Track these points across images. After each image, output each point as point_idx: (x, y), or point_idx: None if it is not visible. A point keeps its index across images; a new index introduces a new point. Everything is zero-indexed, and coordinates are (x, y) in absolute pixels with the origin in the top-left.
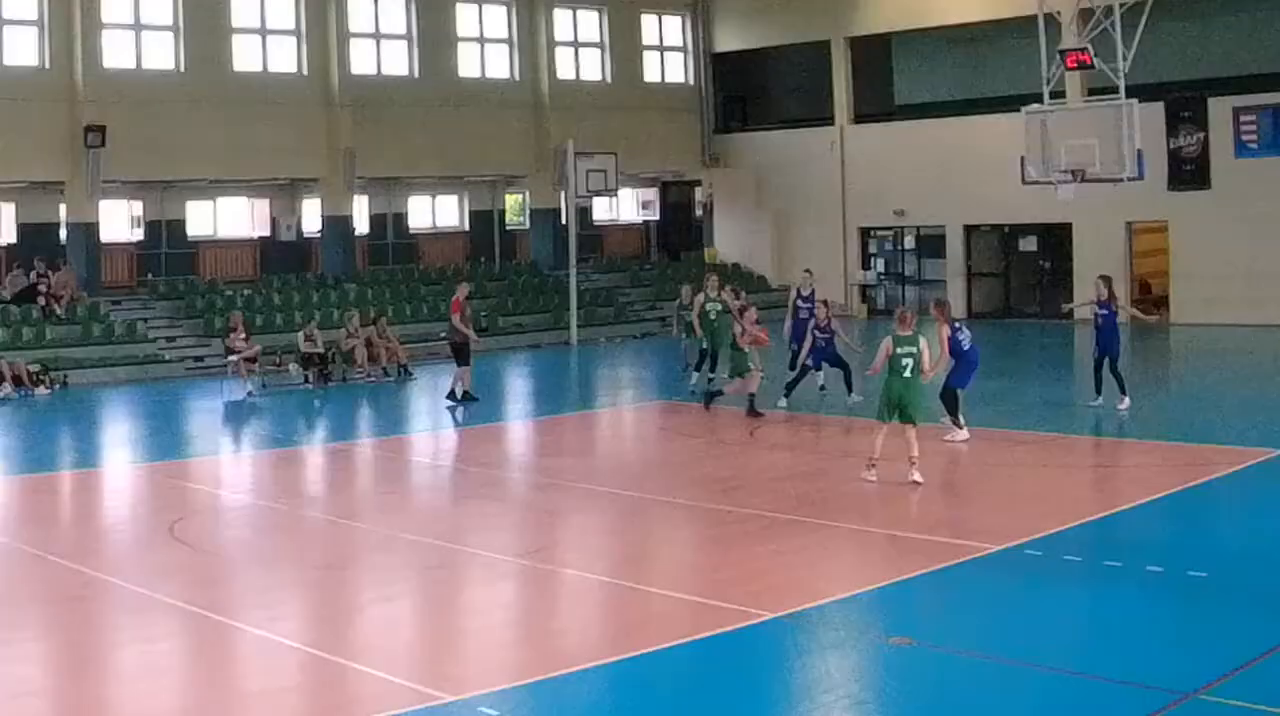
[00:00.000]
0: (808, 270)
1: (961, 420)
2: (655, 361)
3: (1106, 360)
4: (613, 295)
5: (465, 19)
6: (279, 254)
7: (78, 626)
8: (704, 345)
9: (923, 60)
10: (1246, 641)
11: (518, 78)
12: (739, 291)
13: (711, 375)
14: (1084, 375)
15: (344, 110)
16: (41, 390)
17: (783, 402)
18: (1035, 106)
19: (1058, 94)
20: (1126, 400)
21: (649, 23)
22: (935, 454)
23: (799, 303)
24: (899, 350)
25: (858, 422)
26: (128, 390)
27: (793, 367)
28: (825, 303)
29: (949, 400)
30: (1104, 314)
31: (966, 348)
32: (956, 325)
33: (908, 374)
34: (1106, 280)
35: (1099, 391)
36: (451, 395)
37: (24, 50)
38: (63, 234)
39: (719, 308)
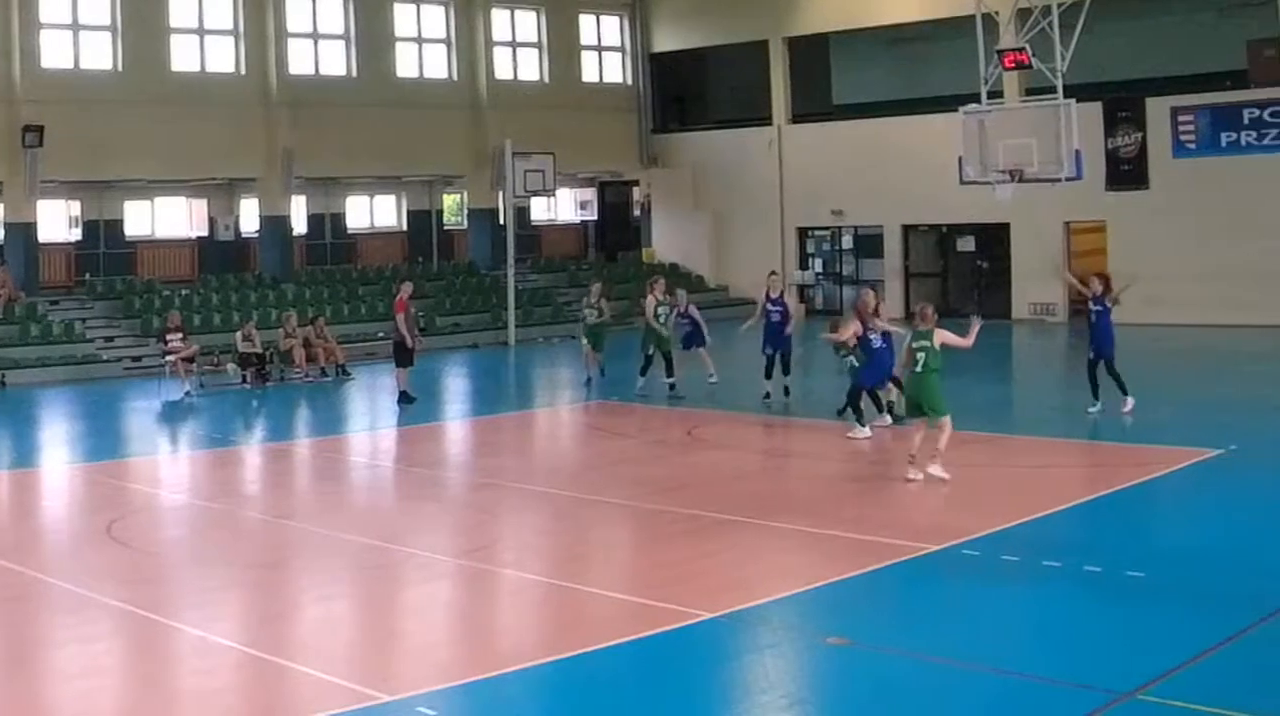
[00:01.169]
0: (774, 272)
1: (865, 420)
2: None
3: (1102, 362)
4: (550, 295)
5: (403, 19)
6: (217, 254)
7: (15, 626)
8: (650, 350)
9: (860, 60)
10: (1184, 641)
11: (456, 78)
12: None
13: (670, 379)
14: (1022, 374)
15: (282, 110)
16: None
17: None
18: (973, 106)
19: (996, 94)
20: (1130, 401)
21: (587, 23)
22: (872, 454)
23: (768, 306)
24: (914, 344)
25: (796, 422)
26: (66, 390)
27: (767, 376)
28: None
29: (854, 397)
30: (1098, 311)
31: (877, 346)
32: (872, 329)
33: (919, 369)
34: (1103, 278)
35: (1096, 396)
36: (404, 396)
37: None
38: (0, 234)
39: (668, 310)
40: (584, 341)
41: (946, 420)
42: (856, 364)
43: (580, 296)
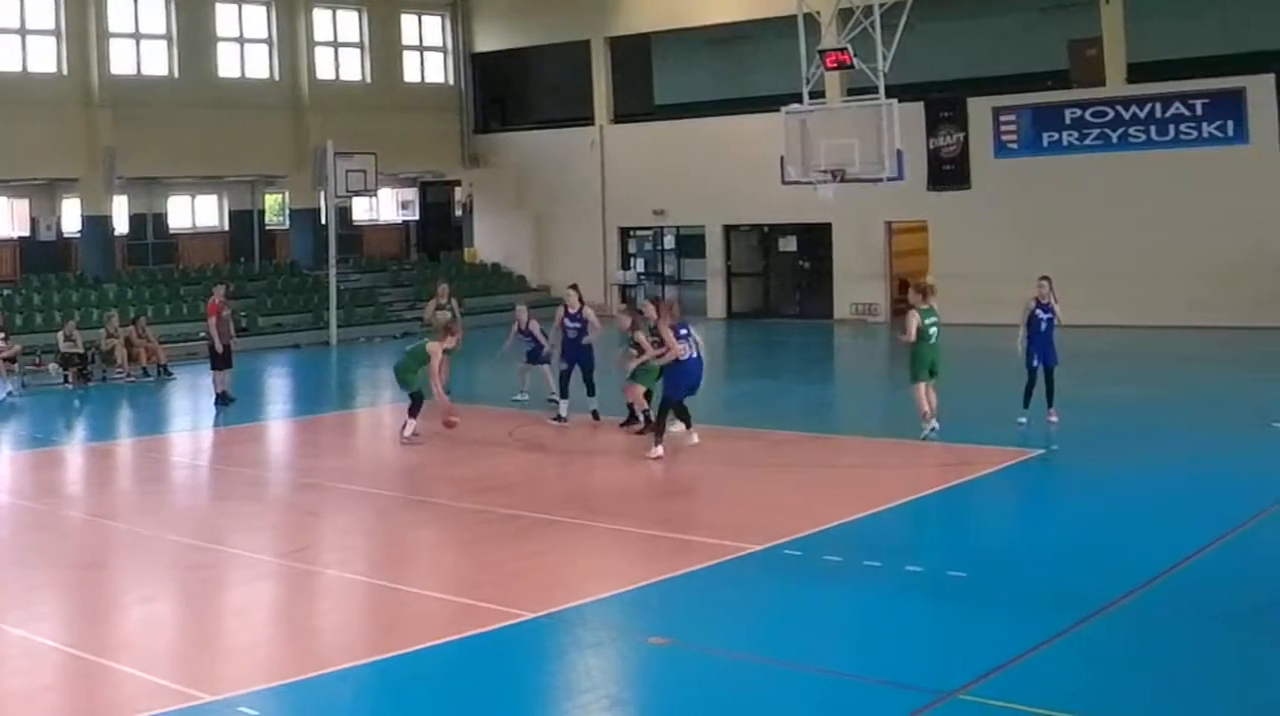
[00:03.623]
0: (573, 286)
1: (663, 439)
2: None
3: (1043, 369)
4: (372, 295)
5: (225, 19)
6: (39, 254)
7: None
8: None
9: (682, 60)
10: (1006, 641)
11: (277, 78)
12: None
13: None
14: (844, 374)
15: (103, 110)
16: None
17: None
18: (795, 106)
19: (818, 94)
20: (1056, 414)
21: (409, 23)
22: (695, 454)
23: (566, 321)
24: (926, 321)
25: (608, 423)
26: None
27: (563, 394)
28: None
29: (662, 412)
30: (1046, 318)
31: (687, 357)
32: (683, 328)
33: (934, 340)
34: (1049, 280)
35: (1027, 404)
36: (223, 397)
37: None
38: None
39: (450, 314)
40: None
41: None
42: (635, 352)
43: (403, 297)
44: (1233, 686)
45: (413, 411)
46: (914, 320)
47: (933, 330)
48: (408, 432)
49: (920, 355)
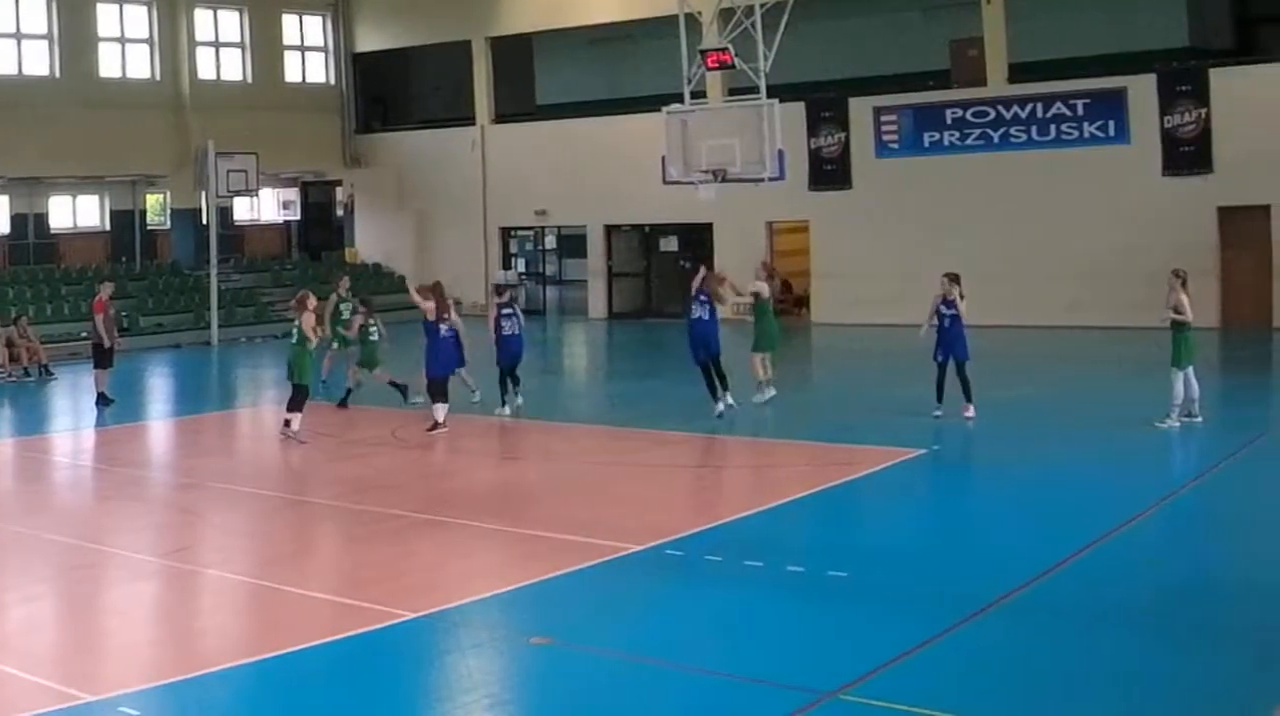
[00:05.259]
0: (498, 286)
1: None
2: None
3: (952, 363)
4: (254, 295)
5: (106, 19)
6: None
7: None
8: (334, 346)
9: (564, 60)
10: (886, 641)
11: (159, 78)
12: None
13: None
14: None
15: None
16: None
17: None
18: (676, 106)
19: (699, 94)
20: (972, 408)
21: (290, 23)
22: (577, 453)
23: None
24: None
25: (502, 424)
26: None
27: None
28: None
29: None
30: (950, 315)
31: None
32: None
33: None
34: (953, 277)
35: (940, 398)
36: (103, 398)
37: None
38: None
39: (350, 308)
40: (338, 347)
41: None
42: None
43: (284, 296)
44: (1111, 685)
45: (295, 406)
46: (765, 291)
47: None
48: (294, 428)
49: (766, 328)
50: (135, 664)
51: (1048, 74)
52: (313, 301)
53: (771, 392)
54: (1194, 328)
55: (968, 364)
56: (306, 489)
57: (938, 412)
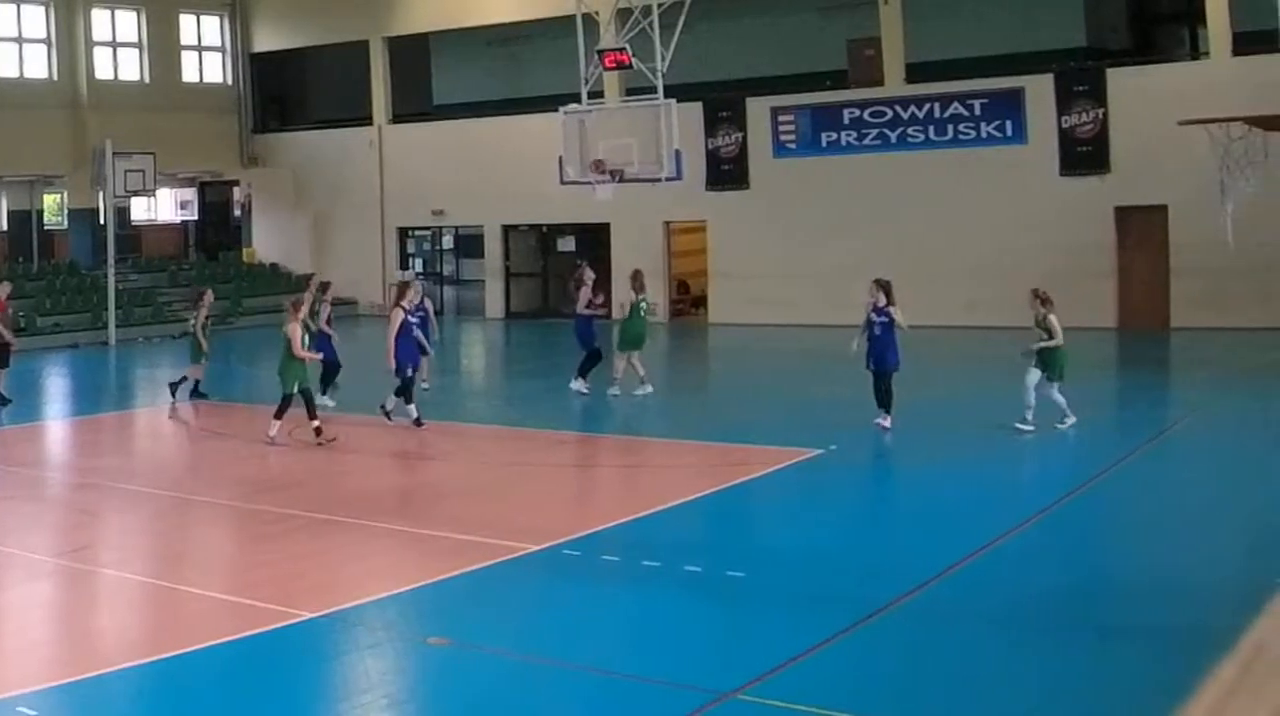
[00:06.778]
0: (408, 283)
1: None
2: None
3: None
4: (151, 295)
5: (3, 19)
6: None
7: None
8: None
9: (461, 60)
10: (784, 641)
11: (56, 78)
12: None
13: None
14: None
15: None
16: None
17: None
18: (573, 106)
19: (596, 94)
20: (888, 419)
21: (187, 23)
22: (476, 455)
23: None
24: (638, 297)
25: (400, 425)
26: None
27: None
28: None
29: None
30: (880, 322)
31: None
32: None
33: (644, 314)
34: (883, 284)
35: (879, 404)
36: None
37: None
38: None
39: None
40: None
41: None
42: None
43: (181, 297)
44: (1004, 685)
45: (279, 413)
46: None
47: (644, 307)
48: (273, 433)
49: (632, 329)
50: (32, 664)
51: (945, 74)
52: (304, 309)
53: (649, 388)
54: (1090, 329)
55: (895, 376)
56: (204, 489)
57: (881, 421)
